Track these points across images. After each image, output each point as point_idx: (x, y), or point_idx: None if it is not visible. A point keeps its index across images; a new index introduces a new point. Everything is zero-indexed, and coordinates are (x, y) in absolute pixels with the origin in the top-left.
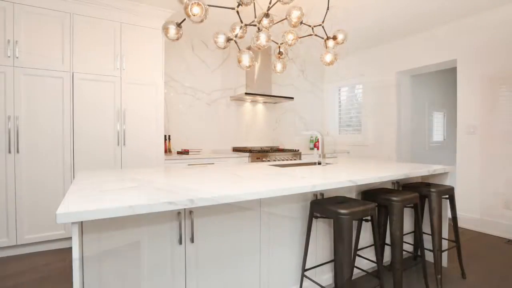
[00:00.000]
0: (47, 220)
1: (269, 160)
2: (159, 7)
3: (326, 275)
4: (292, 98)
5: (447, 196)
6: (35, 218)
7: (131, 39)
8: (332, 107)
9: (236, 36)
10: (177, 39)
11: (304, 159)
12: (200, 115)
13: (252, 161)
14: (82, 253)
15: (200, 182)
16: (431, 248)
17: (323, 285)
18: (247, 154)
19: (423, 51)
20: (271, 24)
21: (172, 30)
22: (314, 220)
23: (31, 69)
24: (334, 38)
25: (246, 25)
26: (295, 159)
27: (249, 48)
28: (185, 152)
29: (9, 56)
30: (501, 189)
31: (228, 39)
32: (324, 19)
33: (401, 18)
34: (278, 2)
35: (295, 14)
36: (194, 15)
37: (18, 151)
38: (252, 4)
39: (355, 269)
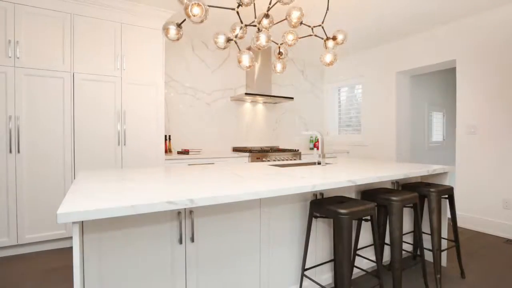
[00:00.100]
0: (48, 220)
1: (269, 160)
2: (160, 7)
3: (325, 275)
4: (292, 98)
5: (446, 196)
6: (36, 218)
7: (131, 40)
8: (331, 107)
9: (236, 36)
10: (178, 39)
11: (304, 159)
12: (200, 115)
13: (252, 161)
14: (83, 253)
15: (200, 182)
16: (431, 248)
17: (323, 284)
18: (247, 154)
19: (423, 52)
20: (271, 25)
21: (173, 30)
22: (314, 219)
23: (32, 69)
24: (334, 38)
25: (246, 25)
26: (295, 159)
27: (249, 49)
28: (185, 152)
29: (10, 57)
30: (500, 189)
31: (228, 40)
32: (324, 19)
33: (400, 18)
34: (278, 3)
35: (295, 15)
36: (194, 16)
37: (19, 151)
38: (252, 4)
39: (354, 268)
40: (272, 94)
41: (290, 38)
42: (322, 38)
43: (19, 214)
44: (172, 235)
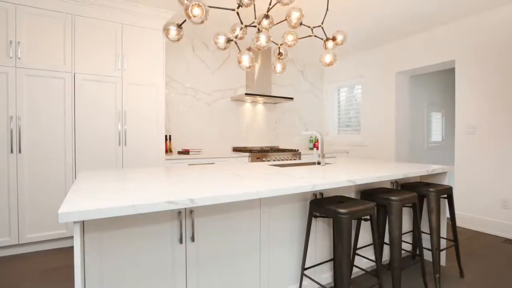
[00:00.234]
0: (49, 219)
1: (269, 160)
2: (160, 8)
3: (325, 274)
4: (292, 98)
5: (445, 195)
6: (37, 217)
7: (132, 40)
8: (331, 107)
9: (236, 37)
10: (178, 40)
11: (303, 159)
12: (200, 115)
13: (252, 161)
14: (84, 252)
15: (200, 181)
16: (430, 247)
17: (323, 283)
18: (247, 154)
19: (423, 52)
20: (271, 25)
21: (173, 31)
22: (313, 219)
23: (33, 70)
24: (334, 39)
25: (246, 26)
26: (294, 159)
27: (249, 49)
28: (185, 152)
29: (11, 57)
30: (499, 188)
31: (228, 40)
32: (323, 20)
33: (400, 18)
34: (278, 3)
35: (294, 15)
36: (194, 16)
37: (20, 151)
38: (252, 5)
39: (354, 268)
40: (272, 95)
41: (290, 38)
42: (322, 39)
43: (20, 214)
44: (173, 235)
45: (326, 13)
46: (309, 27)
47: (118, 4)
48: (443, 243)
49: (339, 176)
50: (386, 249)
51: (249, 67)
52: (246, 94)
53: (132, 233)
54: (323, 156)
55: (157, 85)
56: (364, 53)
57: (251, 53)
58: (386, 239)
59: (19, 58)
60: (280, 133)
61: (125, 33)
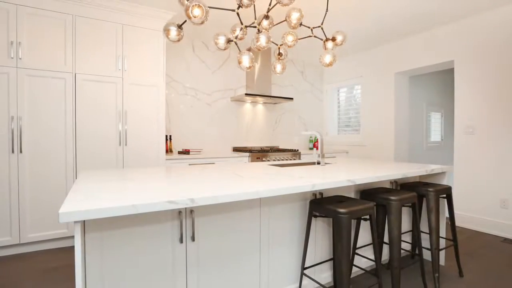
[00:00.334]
0: (50, 219)
1: (269, 160)
2: (160, 9)
3: (325, 274)
4: (292, 98)
5: (444, 195)
6: (38, 217)
7: (132, 41)
8: (331, 107)
9: (236, 37)
10: (178, 40)
11: (303, 159)
12: (200, 115)
13: (252, 161)
14: (84, 252)
15: (200, 181)
16: (429, 247)
17: (322, 283)
18: (247, 154)
19: (422, 52)
20: (271, 26)
21: (173, 31)
22: (313, 219)
23: (34, 70)
24: (333, 39)
25: (246, 26)
26: (294, 159)
27: (249, 49)
28: (186, 152)
29: (12, 57)
30: (498, 188)
31: (229, 41)
32: (323, 20)
33: (400, 18)
34: (278, 4)
35: (294, 16)
36: (195, 17)
37: (21, 151)
38: (252, 6)
39: (353, 267)
40: (272, 95)
41: (289, 39)
42: (322, 39)
43: (21, 214)
44: (173, 234)
45: (325, 13)
46: (309, 27)
47: (119, 5)
48: (442, 243)
49: (339, 176)
50: (385, 249)
51: (249, 67)
52: (246, 94)
53: (132, 233)
54: (323, 156)
55: (158, 85)
56: (363, 53)
57: (251, 53)
58: (386, 239)
59: (20, 59)
60: (280, 133)
61: (125, 33)
